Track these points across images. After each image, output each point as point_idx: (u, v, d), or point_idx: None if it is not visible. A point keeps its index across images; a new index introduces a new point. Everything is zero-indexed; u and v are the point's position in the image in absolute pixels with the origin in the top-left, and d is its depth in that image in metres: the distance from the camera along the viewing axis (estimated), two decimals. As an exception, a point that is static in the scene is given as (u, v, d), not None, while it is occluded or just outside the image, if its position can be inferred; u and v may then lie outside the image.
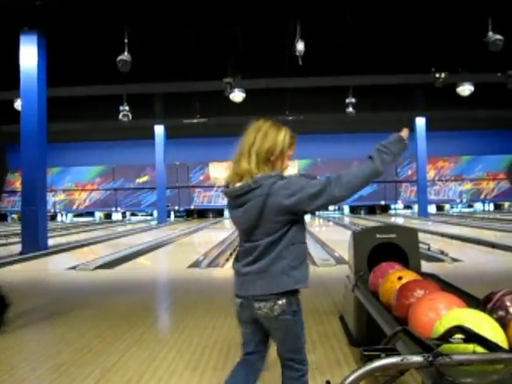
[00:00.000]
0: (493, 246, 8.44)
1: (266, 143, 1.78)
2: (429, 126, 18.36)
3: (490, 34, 8.59)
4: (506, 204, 22.26)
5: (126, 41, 9.18)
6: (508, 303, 1.89)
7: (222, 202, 22.57)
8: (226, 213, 23.19)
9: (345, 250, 8.31)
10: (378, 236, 3.32)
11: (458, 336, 1.39)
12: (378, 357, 1.25)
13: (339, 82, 13.92)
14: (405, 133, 1.82)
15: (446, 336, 1.42)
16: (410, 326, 1.91)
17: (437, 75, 11.08)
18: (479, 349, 1.37)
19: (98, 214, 23.45)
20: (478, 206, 22.55)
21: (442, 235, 10.80)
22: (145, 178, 22.25)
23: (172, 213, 22.50)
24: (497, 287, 2.19)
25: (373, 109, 16.38)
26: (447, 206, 22.59)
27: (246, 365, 1.88)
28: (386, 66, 12.57)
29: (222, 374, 2.74)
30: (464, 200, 22.16)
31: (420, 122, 18.00)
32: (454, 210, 22.50)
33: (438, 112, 17.20)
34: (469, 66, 12.01)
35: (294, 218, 1.74)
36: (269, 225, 1.72)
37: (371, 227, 3.62)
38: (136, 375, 2.76)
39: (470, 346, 1.36)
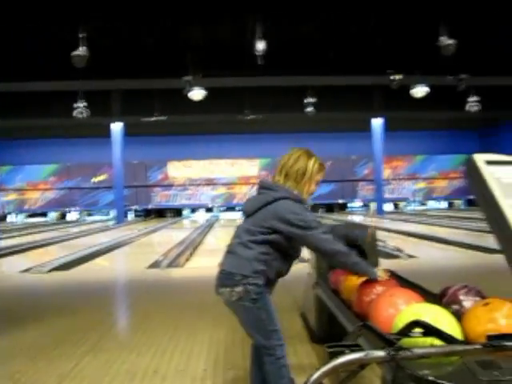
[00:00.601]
0: (446, 242, 8.78)
1: (296, 165, 2.07)
2: (385, 127, 18.90)
3: (443, 38, 8.92)
4: (458, 202, 23.24)
5: (80, 36, 8.88)
6: (461, 297, 1.98)
7: (181, 201, 22.36)
8: (185, 212, 22.99)
9: (303, 248, 8.42)
10: (338, 233, 3.36)
11: (417, 330, 1.44)
12: (342, 353, 1.27)
13: (298, 81, 14.08)
14: (383, 275, 2.11)
15: (406, 330, 1.46)
16: (370, 321, 1.96)
17: (392, 77, 11.40)
18: (437, 342, 1.42)
19: (52, 215, 22.62)
20: (431, 204, 23.42)
21: (398, 232, 11.13)
22: (102, 177, 21.65)
23: (130, 212, 22.03)
24: (451, 282, 2.28)
25: (331, 109, 16.66)
26: (402, 204, 23.34)
27: (253, 346, 2.10)
28: (344, 67, 12.83)
29: (183, 375, 2.72)
30: (418, 198, 22.96)
31: (376, 122, 18.49)
32: (409, 208, 23.28)
33: (393, 113, 17.72)
34: (423, 69, 12.46)
35: (279, 238, 1.95)
36: (258, 222, 1.96)
37: (331, 225, 3.67)
38: (94, 381, 2.68)
39: (429, 340, 1.40)
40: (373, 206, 21.03)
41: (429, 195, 23.02)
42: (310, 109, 14.54)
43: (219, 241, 12.21)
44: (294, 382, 1.99)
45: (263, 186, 2.10)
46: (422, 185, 22.87)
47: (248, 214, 2.05)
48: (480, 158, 1.28)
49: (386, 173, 20.89)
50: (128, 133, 18.49)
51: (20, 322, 4.03)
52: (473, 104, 13.91)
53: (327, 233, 2.01)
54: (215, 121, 18.90)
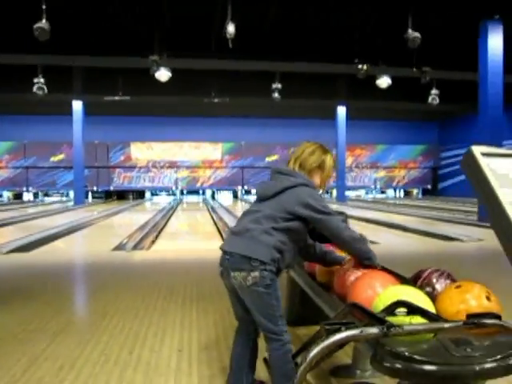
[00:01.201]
0: (404, 229, 9.12)
1: (312, 158, 2.10)
2: (349, 115, 19.23)
3: (410, 31, 9.13)
4: (415, 191, 24.08)
5: (44, 7, 8.48)
6: (434, 280, 2.09)
7: (144, 183, 22.01)
8: (148, 195, 22.67)
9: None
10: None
11: (401, 310, 1.53)
12: (339, 330, 1.33)
13: (266, 66, 14.05)
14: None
15: (390, 310, 1.55)
16: (350, 301, 2.04)
17: (359, 66, 11.58)
18: (420, 320, 1.52)
19: (6, 194, 21.73)
20: (390, 192, 24.16)
21: (359, 219, 11.44)
22: (60, 157, 20.92)
23: (90, 194, 21.50)
24: (410, 267, 2.42)
25: (297, 95, 16.77)
26: (362, 192, 23.95)
27: (239, 329, 2.14)
28: (312, 54, 12.92)
29: (159, 356, 2.74)
30: (378, 186, 23.63)
31: (341, 110, 18.77)
32: (369, 195, 23.92)
33: (357, 102, 18.04)
34: (388, 60, 12.74)
35: (298, 225, 1.98)
36: (281, 207, 1.96)
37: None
38: (68, 361, 2.65)
39: (411, 318, 1.50)
40: (334, 192, 21.45)
41: (388, 183, 23.71)
42: (276, 94, 14.56)
43: (183, 224, 12.16)
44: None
45: (280, 172, 2.09)
46: (382, 173, 23.52)
47: (265, 198, 2.04)
48: (477, 150, 1.36)
49: (349, 161, 21.33)
50: (90, 112, 17.93)
51: (-18, 303, 3.91)
52: (434, 96, 14.37)
53: (344, 221, 2.08)
54: (180, 103, 18.60)
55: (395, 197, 23.86)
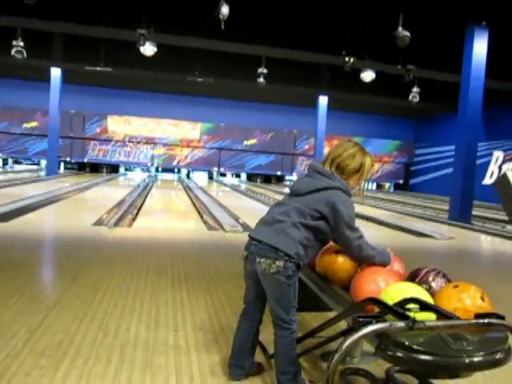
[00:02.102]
0: (379, 223, 9.40)
1: (352, 162, 2.13)
2: (329, 105, 19.41)
3: (400, 29, 9.28)
4: (387, 185, 24.64)
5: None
6: (431, 278, 2.25)
7: (119, 157, 21.67)
8: (122, 170, 22.33)
9: (250, 217, 8.66)
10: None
11: (413, 306, 1.67)
12: (370, 323, 1.45)
13: (252, 50, 13.96)
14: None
15: (402, 305, 1.69)
16: (353, 294, 2.18)
17: (346, 59, 11.69)
18: (428, 316, 1.67)
19: (-27, 158, 21.02)
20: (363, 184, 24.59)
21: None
22: (33, 124, 20.28)
23: (62, 164, 21.02)
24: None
25: (281, 81, 16.78)
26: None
27: (246, 314, 2.23)
28: (300, 42, 12.93)
29: (156, 334, 2.82)
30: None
31: (323, 100, 18.92)
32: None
33: (339, 93, 18.20)
34: (374, 55, 12.89)
35: (324, 225, 2.06)
36: (311, 205, 2.04)
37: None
38: (66, 336, 2.70)
39: (425, 314, 1.64)
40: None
41: (362, 176, 24.13)
42: (261, 79, 14.54)
43: (161, 202, 12.13)
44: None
45: (319, 171, 2.12)
46: (356, 165, 23.89)
47: (298, 194, 2.10)
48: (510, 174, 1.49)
49: (326, 150, 21.55)
50: (67, 80, 17.43)
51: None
52: (415, 94, 14.68)
53: (361, 237, 2.15)
54: (163, 79, 18.30)
55: (367, 189, 24.35)
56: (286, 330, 2.04)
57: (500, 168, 18.73)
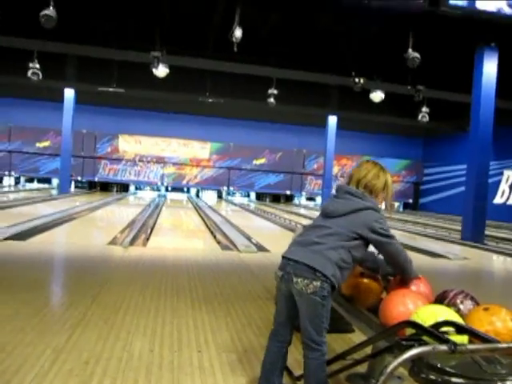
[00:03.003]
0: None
1: (378, 182, 2.25)
2: (338, 125, 19.55)
3: (410, 51, 9.40)
4: (396, 204, 24.54)
5: (52, -5, 8.43)
6: (459, 301, 2.26)
7: (129, 176, 21.86)
8: (132, 188, 22.50)
9: (262, 237, 8.65)
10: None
11: (448, 328, 1.68)
12: (413, 346, 1.47)
13: (262, 71, 14.16)
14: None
15: (437, 328, 1.70)
16: (382, 316, 2.19)
17: (356, 80, 11.83)
18: (463, 339, 1.68)
19: (-14, 177, 21.27)
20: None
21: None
22: (46, 143, 20.57)
23: (73, 183, 21.23)
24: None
25: (290, 102, 16.96)
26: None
27: (276, 335, 2.24)
28: (310, 63, 13.12)
29: (180, 356, 2.83)
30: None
31: (332, 120, 19.06)
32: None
33: (348, 112, 18.35)
34: (383, 75, 13.03)
35: (360, 246, 2.16)
36: (349, 226, 2.12)
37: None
38: (92, 355, 2.72)
39: (461, 337, 1.65)
40: (319, 199, 21.74)
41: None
42: (272, 100, 14.71)
43: (173, 221, 12.17)
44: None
45: (351, 193, 2.20)
46: (366, 184, 23.89)
47: (334, 215, 2.16)
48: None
49: (335, 170, 21.62)
50: (79, 100, 17.74)
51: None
52: (424, 114, 14.76)
53: (403, 249, 2.27)
54: (174, 99, 18.57)
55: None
56: (317, 352, 2.06)
57: (511, 187, 18.64)
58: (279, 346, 2.24)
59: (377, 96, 13.96)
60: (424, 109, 14.89)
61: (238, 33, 8.88)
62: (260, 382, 2.27)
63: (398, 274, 2.36)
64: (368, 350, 2.51)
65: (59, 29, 10.26)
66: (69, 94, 16.95)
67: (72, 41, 11.88)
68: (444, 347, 1.50)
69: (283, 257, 2.18)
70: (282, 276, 2.14)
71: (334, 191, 2.35)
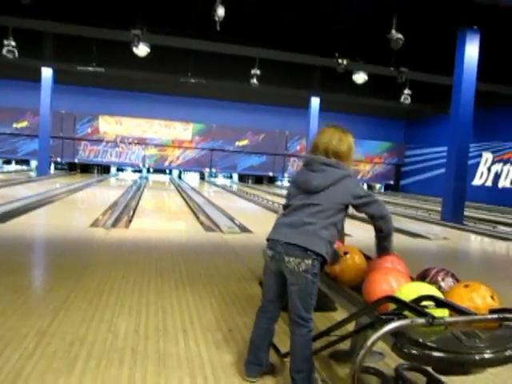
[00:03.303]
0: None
1: (344, 145, 2.23)
2: (321, 107, 19.52)
3: (393, 32, 9.38)
4: (377, 186, 24.83)
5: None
6: (440, 278, 2.31)
7: (110, 158, 21.54)
8: (113, 170, 22.21)
9: (245, 218, 8.67)
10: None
11: (428, 303, 1.73)
12: (392, 320, 1.49)
13: (245, 52, 13.98)
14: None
15: (417, 302, 1.75)
16: (366, 294, 2.23)
17: (340, 61, 11.78)
18: (443, 312, 1.72)
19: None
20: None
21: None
22: (23, 124, 20.08)
23: (52, 165, 20.84)
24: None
25: (273, 83, 16.82)
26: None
27: (264, 312, 2.28)
28: (293, 44, 13.00)
29: (166, 335, 2.84)
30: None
31: (314, 101, 19.02)
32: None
33: (331, 94, 18.31)
34: (367, 57, 13.00)
35: (343, 217, 2.20)
36: (335, 199, 2.13)
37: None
38: (77, 337, 2.71)
39: (441, 311, 1.70)
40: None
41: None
42: (255, 80, 14.58)
43: (155, 203, 12.09)
44: None
45: (325, 163, 2.17)
46: (349, 166, 24.07)
47: (317, 191, 2.14)
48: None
49: (317, 151, 21.62)
50: (58, 80, 17.30)
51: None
52: (407, 96, 14.84)
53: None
54: (155, 79, 18.24)
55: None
56: (304, 328, 2.10)
57: (489, 169, 19.00)
58: (268, 322, 2.28)
59: (360, 78, 13.96)
60: (406, 91, 14.95)
61: (220, 11, 8.71)
62: (248, 358, 2.30)
63: (384, 235, 2.33)
64: (351, 327, 2.57)
65: (36, 4, 9.93)
66: (46, 73, 16.50)
67: (49, 18, 11.50)
68: (422, 320, 1.54)
69: (271, 239, 2.18)
70: (272, 255, 2.15)
71: (304, 164, 2.29)
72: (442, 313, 1.76)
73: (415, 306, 1.66)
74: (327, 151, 2.21)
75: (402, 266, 2.51)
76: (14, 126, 19.99)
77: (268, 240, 2.22)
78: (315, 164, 2.20)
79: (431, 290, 1.95)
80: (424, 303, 1.79)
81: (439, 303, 1.76)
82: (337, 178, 2.14)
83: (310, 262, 2.04)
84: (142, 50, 12.65)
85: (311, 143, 2.33)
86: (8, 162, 21.24)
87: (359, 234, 8.54)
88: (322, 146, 2.22)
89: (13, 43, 12.57)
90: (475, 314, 1.71)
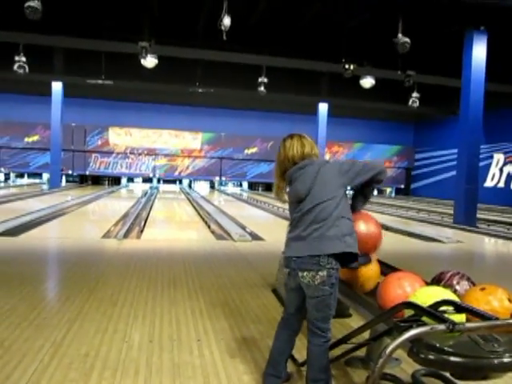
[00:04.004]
0: (386, 228, 9.40)
1: (314, 149, 2.32)
2: (329, 112, 19.50)
3: (400, 36, 9.37)
4: (388, 190, 24.69)
5: (36, -14, 8.26)
6: (455, 282, 2.28)
7: (120, 169, 21.71)
8: (124, 181, 22.37)
9: (256, 226, 8.65)
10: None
11: (447, 308, 1.70)
12: (411, 327, 1.48)
13: (252, 60, 14.06)
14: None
15: (435, 308, 1.72)
16: (379, 299, 2.21)
17: (346, 66, 11.78)
18: (462, 318, 1.69)
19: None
20: (364, 190, 24.62)
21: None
22: (35, 138, 20.34)
23: (63, 177, 21.05)
24: (398, 263, 2.64)
25: (281, 90, 16.88)
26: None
27: (286, 324, 2.29)
28: (300, 50, 13.04)
29: (180, 345, 2.83)
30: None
31: (322, 107, 19.01)
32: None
33: (338, 99, 18.30)
34: (373, 61, 13.00)
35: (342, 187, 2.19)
36: (333, 188, 2.15)
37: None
38: (92, 348, 2.72)
39: (459, 316, 1.67)
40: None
41: (363, 181, 24.18)
42: (262, 88, 14.63)
43: (166, 212, 12.14)
44: None
45: (299, 167, 2.21)
46: (358, 171, 23.96)
47: (307, 194, 2.14)
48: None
49: (327, 157, 21.63)
50: (68, 93, 17.52)
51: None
52: (415, 99, 14.78)
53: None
54: (164, 90, 18.40)
55: (369, 194, 24.38)
56: (322, 339, 2.09)
57: (501, 170, 18.79)
58: (290, 334, 2.28)
59: (367, 82, 13.97)
60: (414, 94, 14.90)
61: (226, 21, 8.77)
62: (267, 370, 2.28)
63: (366, 200, 2.44)
64: (366, 334, 2.54)
65: (45, 21, 10.09)
66: (56, 87, 16.72)
67: (58, 33, 11.70)
68: (442, 327, 1.52)
69: (286, 256, 2.18)
70: (288, 273, 2.16)
71: (287, 182, 2.29)
72: (459, 317, 1.74)
73: (434, 312, 1.63)
74: (295, 160, 2.23)
75: (376, 224, 2.57)
76: (26, 140, 20.27)
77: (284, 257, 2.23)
78: (294, 174, 2.22)
79: (447, 294, 1.93)
80: (442, 308, 1.76)
81: (458, 308, 1.73)
82: (318, 168, 2.16)
83: (324, 273, 2.02)
84: (149, 61, 12.78)
85: (279, 164, 2.31)
86: (20, 175, 21.51)
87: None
88: (290, 158, 2.24)
89: (23, 59, 12.79)
90: (497, 319, 1.68)
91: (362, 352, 2.65)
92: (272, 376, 2.25)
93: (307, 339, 2.16)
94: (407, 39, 9.33)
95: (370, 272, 2.52)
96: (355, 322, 3.32)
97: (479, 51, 9.95)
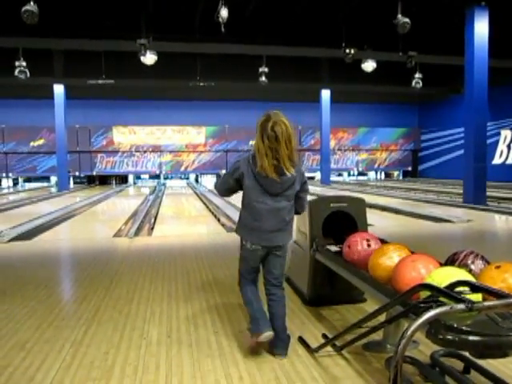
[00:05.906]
0: (396, 211, 9.39)
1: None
2: (332, 98, 19.36)
3: (400, 16, 9.26)
4: (395, 173, 24.57)
5: (31, -11, 8.26)
6: (470, 261, 2.27)
7: (127, 168, 21.79)
8: (131, 179, 22.46)
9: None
10: (331, 205, 3.57)
11: (464, 288, 1.70)
12: (431, 308, 1.48)
13: (251, 50, 13.98)
14: None
15: (451, 288, 1.72)
16: (394, 283, 2.21)
17: (347, 51, 11.68)
18: (478, 297, 1.69)
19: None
20: (372, 174, 24.57)
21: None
22: (40, 142, 20.46)
23: (71, 179, 21.17)
24: (411, 245, 2.64)
25: (281, 79, 16.78)
26: (345, 174, 24.32)
27: (253, 282, 2.75)
28: (299, 38, 12.95)
29: (198, 338, 2.86)
30: (360, 169, 23.99)
31: (325, 94, 18.89)
32: (351, 177, 24.30)
33: (341, 85, 18.17)
34: (374, 44, 12.88)
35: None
36: (290, 191, 2.72)
37: (325, 197, 3.86)
38: (111, 346, 2.76)
39: (475, 296, 1.67)
40: (318, 175, 21.69)
41: (370, 166, 24.11)
42: (263, 78, 14.56)
43: (175, 208, 12.19)
44: None
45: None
46: (364, 156, 23.89)
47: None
48: None
49: (332, 143, 21.54)
50: (69, 95, 17.55)
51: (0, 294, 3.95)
52: (418, 80, 14.63)
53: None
54: (165, 86, 18.38)
55: (376, 179, 24.31)
56: (282, 289, 2.69)
57: (509, 147, 18.61)
58: (256, 285, 2.74)
59: (369, 66, 13.83)
60: (417, 75, 14.75)
61: (224, 13, 8.73)
62: (263, 326, 2.55)
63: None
64: (381, 317, 2.55)
65: (42, 24, 10.10)
66: (58, 89, 16.75)
67: (57, 35, 11.71)
68: (461, 306, 1.52)
69: (261, 245, 2.65)
70: (261, 247, 2.64)
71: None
72: (475, 297, 1.74)
73: (452, 293, 1.63)
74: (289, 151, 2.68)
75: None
76: (31, 144, 20.38)
77: None
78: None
79: (463, 274, 1.93)
80: (458, 288, 1.76)
81: (474, 288, 1.73)
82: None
83: (286, 248, 2.76)
84: (149, 58, 12.75)
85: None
86: (29, 179, 21.66)
87: (380, 222, 8.49)
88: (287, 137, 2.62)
89: (24, 63, 12.82)
90: (513, 297, 1.68)
91: (378, 336, 2.66)
92: (279, 340, 2.62)
93: (270, 293, 2.64)
94: (407, 19, 9.22)
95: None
96: (370, 306, 3.33)
97: (481, 27, 9.82)
